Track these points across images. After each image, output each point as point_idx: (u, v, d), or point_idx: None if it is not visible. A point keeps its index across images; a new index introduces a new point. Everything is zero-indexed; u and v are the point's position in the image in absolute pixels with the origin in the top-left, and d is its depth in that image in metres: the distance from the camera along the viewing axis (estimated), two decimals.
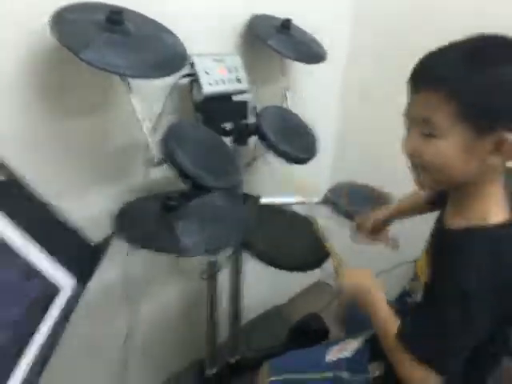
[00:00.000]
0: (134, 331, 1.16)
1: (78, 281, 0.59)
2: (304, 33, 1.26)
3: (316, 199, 1.22)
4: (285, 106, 1.29)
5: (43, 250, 0.58)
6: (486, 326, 0.66)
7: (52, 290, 0.55)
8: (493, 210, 0.66)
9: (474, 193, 0.67)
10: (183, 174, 0.83)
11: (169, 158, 0.84)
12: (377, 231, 1.08)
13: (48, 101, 0.86)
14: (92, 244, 0.66)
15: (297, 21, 1.21)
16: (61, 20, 0.75)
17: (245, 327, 1.51)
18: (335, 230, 1.58)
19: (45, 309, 0.52)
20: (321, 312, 1.55)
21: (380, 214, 1.07)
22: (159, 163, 0.87)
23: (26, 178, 0.67)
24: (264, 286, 1.64)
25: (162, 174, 1.04)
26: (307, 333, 1.48)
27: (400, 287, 0.96)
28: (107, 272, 1.03)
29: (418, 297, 0.77)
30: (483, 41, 0.62)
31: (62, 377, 1.00)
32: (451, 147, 0.62)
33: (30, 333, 0.49)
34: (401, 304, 0.87)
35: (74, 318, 0.88)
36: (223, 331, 1.41)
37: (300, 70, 1.37)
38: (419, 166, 0.68)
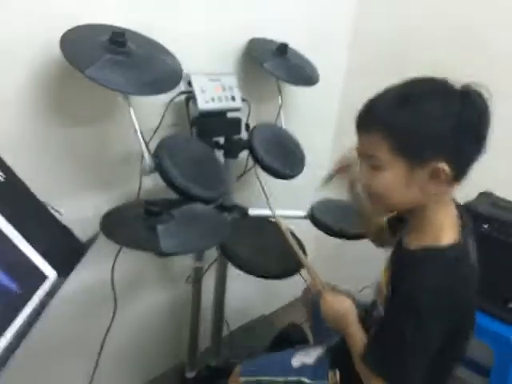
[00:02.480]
0: (114, 331, 1.17)
1: (59, 274, 0.66)
2: (300, 56, 1.34)
3: (301, 213, 1.28)
4: (279, 123, 1.37)
5: (30, 241, 0.65)
6: (439, 342, 0.71)
7: (40, 277, 0.62)
8: (444, 232, 0.73)
9: (426, 216, 0.75)
10: (171, 184, 0.91)
11: (159, 168, 0.91)
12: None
13: (54, 111, 0.95)
14: (79, 241, 0.73)
15: (295, 44, 1.29)
16: (70, 40, 0.83)
17: (229, 334, 1.55)
18: (317, 244, 1.63)
19: (31, 292, 0.59)
20: (304, 323, 1.59)
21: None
22: (152, 172, 0.95)
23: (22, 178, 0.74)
24: (250, 295, 1.69)
25: (155, 182, 1.11)
26: (288, 342, 1.53)
27: None
28: (96, 272, 1.10)
29: (381, 310, 0.83)
30: (411, 83, 0.72)
31: (37, 371, 1.05)
32: (393, 177, 0.72)
33: (18, 311, 0.57)
34: (370, 316, 0.93)
35: (58, 314, 0.93)
36: (206, 338, 1.46)
37: (295, 90, 1.45)
38: (370, 194, 0.78)
